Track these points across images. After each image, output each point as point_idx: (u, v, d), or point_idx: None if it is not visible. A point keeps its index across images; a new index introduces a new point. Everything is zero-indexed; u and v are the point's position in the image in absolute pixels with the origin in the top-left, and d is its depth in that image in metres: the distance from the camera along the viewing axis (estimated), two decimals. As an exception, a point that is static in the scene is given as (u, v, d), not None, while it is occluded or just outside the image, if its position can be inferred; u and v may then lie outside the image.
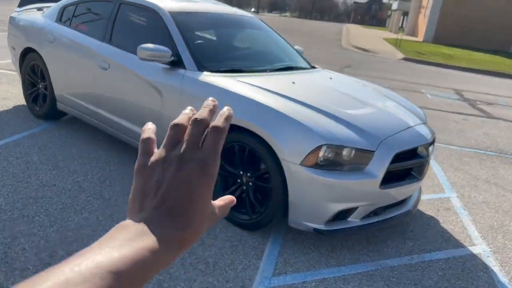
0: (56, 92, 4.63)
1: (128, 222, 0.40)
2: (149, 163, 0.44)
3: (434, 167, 5.08)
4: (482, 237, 3.51)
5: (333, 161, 2.76)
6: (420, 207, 3.93)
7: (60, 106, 4.69)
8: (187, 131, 0.45)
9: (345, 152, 2.78)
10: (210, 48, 3.77)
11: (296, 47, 4.84)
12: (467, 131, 7.09)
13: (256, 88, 3.17)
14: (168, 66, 3.49)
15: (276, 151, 2.81)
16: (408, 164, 3.00)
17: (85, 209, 3.18)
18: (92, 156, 4.14)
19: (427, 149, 3.15)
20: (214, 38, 3.98)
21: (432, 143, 3.47)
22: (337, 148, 2.75)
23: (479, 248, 3.33)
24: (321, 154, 2.71)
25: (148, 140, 0.46)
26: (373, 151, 2.85)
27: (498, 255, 3.26)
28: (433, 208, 3.95)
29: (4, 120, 4.87)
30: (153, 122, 3.43)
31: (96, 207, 3.23)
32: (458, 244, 3.34)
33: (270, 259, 2.84)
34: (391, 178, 3.01)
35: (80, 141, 4.50)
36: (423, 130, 3.23)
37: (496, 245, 3.41)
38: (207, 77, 3.30)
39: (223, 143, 0.45)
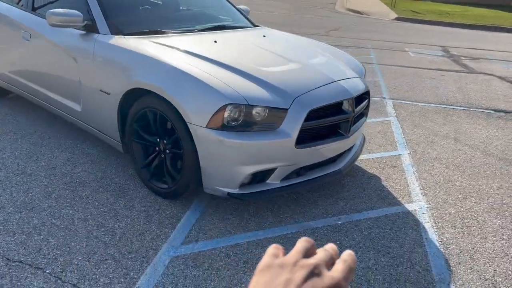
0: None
1: None
2: (279, 262, 0.46)
3: (393, 125, 4.89)
4: (423, 194, 3.36)
5: (242, 121, 2.60)
6: (365, 165, 3.77)
7: (-1, 83, 4.53)
8: (318, 254, 0.48)
9: (254, 111, 2.60)
10: (131, 10, 3.54)
11: (241, 6, 4.60)
12: (441, 87, 6.83)
13: (169, 49, 2.98)
14: (83, 32, 3.30)
15: (182, 115, 2.65)
16: (326, 122, 2.82)
17: (0, 186, 3.07)
18: (27, 132, 4.02)
19: (352, 105, 2.96)
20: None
21: (365, 98, 3.28)
22: (245, 107, 2.57)
23: (416, 205, 3.19)
24: (226, 114, 2.54)
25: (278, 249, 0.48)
26: (286, 109, 2.67)
27: (435, 211, 3.12)
28: (379, 166, 3.79)
29: None
30: (74, 92, 3.28)
31: (13, 183, 3.11)
32: (394, 202, 3.20)
33: (184, 228, 2.73)
34: (314, 136, 2.84)
35: (21, 117, 4.37)
36: (349, 85, 3.03)
37: (436, 201, 3.27)
38: (119, 39, 3.11)
39: (352, 277, 0.46)
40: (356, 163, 3.82)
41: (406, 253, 2.62)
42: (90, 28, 3.27)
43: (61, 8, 3.30)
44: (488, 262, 2.59)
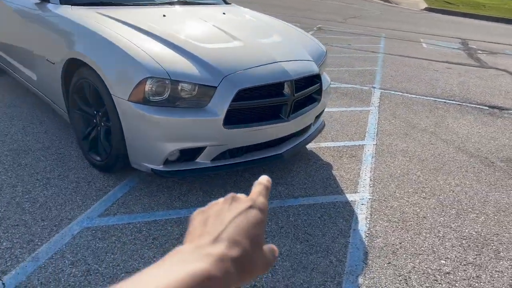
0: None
1: (184, 246, 0.41)
2: (215, 202, 0.49)
3: (371, 115, 4.72)
4: (372, 186, 3.23)
5: (168, 97, 2.55)
6: (322, 153, 3.66)
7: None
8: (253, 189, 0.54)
9: (180, 87, 2.55)
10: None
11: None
12: (441, 80, 6.54)
13: (110, 21, 2.95)
14: (38, 1, 3.31)
15: (108, 87, 2.63)
16: (258, 103, 2.73)
17: None
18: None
19: (291, 88, 2.85)
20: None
21: (316, 82, 3.15)
22: (170, 82, 2.52)
23: (358, 196, 3.07)
24: (147, 88, 2.50)
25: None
26: (215, 87, 2.60)
27: (375, 203, 3.00)
28: (337, 155, 3.67)
29: None
30: (30, 61, 3.31)
31: (-40, 147, 3.19)
32: (336, 191, 3.09)
33: (107, 201, 2.73)
34: (248, 117, 2.76)
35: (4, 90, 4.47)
36: (292, 67, 2.92)
37: (382, 193, 3.14)
38: (65, 9, 3.11)
39: (267, 194, 0.53)
40: (313, 150, 3.71)
41: (326, 243, 2.53)
42: (43, -3, 3.28)
43: None
44: (410, 258, 2.47)
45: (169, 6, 3.57)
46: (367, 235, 2.65)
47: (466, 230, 2.80)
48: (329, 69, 6.48)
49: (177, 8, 3.54)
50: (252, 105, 2.73)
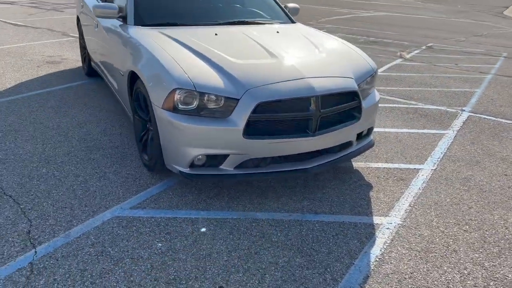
0: (88, 50, 5.49)
1: None
2: None
3: (444, 139, 4.38)
4: (408, 211, 3.05)
5: (196, 106, 2.81)
6: (367, 173, 3.56)
7: (92, 64, 5.54)
8: None
9: (206, 98, 2.79)
10: (162, 3, 4.01)
11: (290, 4, 4.71)
12: (555, 105, 5.70)
13: (165, 39, 3.35)
14: (121, 22, 3.90)
15: (150, 95, 3.00)
16: (280, 116, 2.82)
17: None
18: (93, 105, 4.87)
19: (316, 104, 2.88)
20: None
21: (353, 100, 3.10)
22: (198, 94, 2.78)
23: (387, 219, 2.93)
24: (176, 98, 2.79)
25: None
26: (237, 99, 2.79)
27: (403, 230, 2.83)
28: (383, 176, 3.52)
29: (62, 74, 5.99)
30: (113, 72, 3.92)
31: (53, 140, 3.89)
32: (363, 213, 3.00)
33: (143, 196, 3.08)
34: (273, 129, 2.87)
35: (98, 92, 5.28)
36: (321, 83, 2.94)
37: (416, 220, 2.94)
38: (136, 29, 3.60)
39: None
40: (359, 169, 3.62)
41: (328, 260, 2.50)
42: (125, 19, 3.84)
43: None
44: (414, 290, 2.30)
45: (230, 26, 3.85)
46: (377, 259, 2.53)
47: (502, 272, 2.48)
48: (418, 89, 6.13)
49: (235, 27, 3.80)
50: (274, 118, 2.83)
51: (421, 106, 5.38)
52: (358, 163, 3.73)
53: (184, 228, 2.73)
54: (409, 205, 3.12)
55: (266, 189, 3.23)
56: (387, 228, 2.83)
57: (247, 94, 2.78)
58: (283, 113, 2.85)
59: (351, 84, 3.11)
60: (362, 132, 3.45)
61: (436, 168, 3.72)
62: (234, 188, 3.22)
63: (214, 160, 2.93)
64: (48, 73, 6.12)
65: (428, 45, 10.25)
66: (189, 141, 2.82)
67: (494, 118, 5.08)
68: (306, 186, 3.31)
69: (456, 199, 3.24)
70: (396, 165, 3.74)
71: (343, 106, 3.07)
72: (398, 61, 8.16)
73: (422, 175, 3.59)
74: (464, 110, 5.32)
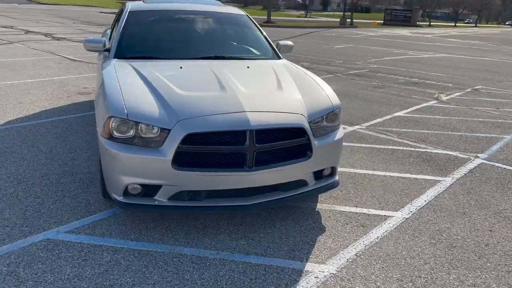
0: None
1: None
2: None
3: (437, 186, 3.99)
4: (351, 260, 2.77)
5: (131, 135, 2.84)
6: (329, 215, 3.32)
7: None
8: None
9: (140, 127, 2.81)
10: (146, 38, 4.17)
11: (283, 42, 4.69)
12: None
13: (127, 71, 3.46)
14: (107, 54, 4.12)
15: (96, 123, 3.09)
16: (210, 149, 2.75)
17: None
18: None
19: (251, 138, 2.78)
20: (167, 32, 4.32)
21: (299, 137, 2.96)
22: (133, 122, 2.81)
23: (322, 267, 2.68)
24: (111, 125, 2.84)
25: None
26: (169, 129, 2.78)
27: (333, 280, 2.56)
28: (344, 221, 3.27)
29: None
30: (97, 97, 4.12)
31: (28, 163, 4.12)
32: (299, 258, 2.77)
33: (85, 221, 3.11)
34: (206, 162, 2.81)
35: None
36: (260, 117, 2.84)
37: (354, 271, 2.66)
38: (113, 61, 3.77)
39: None
40: (321, 210, 3.39)
41: (229, 305, 2.32)
42: (110, 52, 4.06)
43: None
44: None
45: (205, 60, 3.88)
46: (284, 310, 2.30)
47: None
48: (436, 132, 5.71)
49: (207, 62, 3.81)
50: (206, 150, 2.77)
51: (429, 150, 4.98)
52: (323, 205, 3.50)
53: (103, 257, 2.70)
54: (355, 254, 2.84)
55: (208, 223, 3.13)
56: (316, 277, 2.58)
57: (178, 125, 2.76)
58: (215, 145, 2.77)
59: (296, 120, 2.97)
60: (322, 171, 3.26)
61: (410, 217, 3.38)
62: (176, 220, 3.16)
63: (149, 190, 2.90)
64: (74, 102, 6.57)
65: (476, 87, 9.60)
66: (120, 169, 2.83)
67: (511, 168, 4.54)
68: (254, 224, 3.16)
69: (414, 253, 2.89)
70: (364, 210, 3.45)
71: (285, 142, 2.93)
72: (431, 102, 7.70)
73: (389, 223, 3.27)
74: (478, 157, 4.83)
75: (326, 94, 3.40)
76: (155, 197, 2.90)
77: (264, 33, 4.60)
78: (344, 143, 5.06)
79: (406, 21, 53.38)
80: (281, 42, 4.67)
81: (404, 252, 2.89)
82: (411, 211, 3.47)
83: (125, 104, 2.87)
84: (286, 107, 3.06)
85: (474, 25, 77.53)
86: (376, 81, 9.77)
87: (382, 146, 5.04)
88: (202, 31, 4.41)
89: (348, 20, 43.60)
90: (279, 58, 4.36)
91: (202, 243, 2.89)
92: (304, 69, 3.97)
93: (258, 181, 2.89)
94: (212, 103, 2.94)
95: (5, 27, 18.47)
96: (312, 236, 3.04)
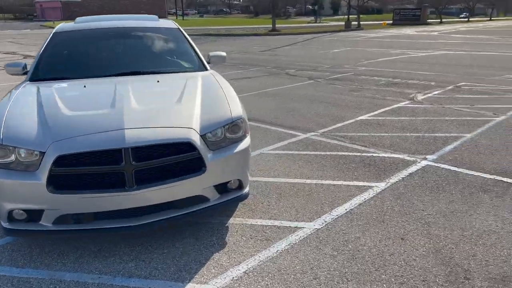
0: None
1: None
2: None
3: (367, 193, 3.82)
4: (235, 279, 2.65)
5: (11, 160, 2.78)
6: (236, 230, 3.20)
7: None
8: None
9: (17, 151, 2.77)
10: (64, 60, 4.16)
11: (216, 53, 4.62)
12: (554, 152, 4.73)
13: (34, 94, 3.43)
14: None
15: (-12, 148, 3.06)
16: (85, 170, 2.69)
17: None
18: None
19: (127, 157, 2.70)
20: (87, 51, 4.31)
21: (184, 151, 2.86)
22: (12, 147, 2.76)
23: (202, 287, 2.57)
24: (-9, 151, 2.81)
25: None
26: (44, 152, 2.73)
27: (205, 302, 2.45)
28: (250, 235, 3.15)
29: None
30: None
31: None
32: (183, 278, 2.67)
33: (-18, 248, 3.08)
34: (90, 183, 2.74)
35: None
36: (136, 134, 2.76)
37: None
38: (22, 85, 3.77)
39: None
40: (231, 224, 3.28)
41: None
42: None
43: None
44: None
45: (118, 77, 3.82)
46: (138, 336, 2.20)
47: None
48: (393, 134, 5.51)
49: (116, 79, 3.74)
50: (81, 172, 2.70)
51: (376, 155, 4.80)
52: (235, 219, 3.39)
53: (-20, 285, 2.66)
54: (244, 272, 2.71)
55: (105, 246, 3.05)
56: (189, 299, 2.47)
57: (51, 147, 2.70)
58: (90, 166, 2.71)
59: (182, 135, 2.87)
60: (226, 184, 3.15)
61: (321, 228, 3.23)
62: (70, 244, 3.09)
63: (33, 215, 2.84)
64: None
65: (458, 84, 9.30)
66: (1, 195, 2.78)
67: (456, 169, 4.33)
68: (153, 244, 3.07)
69: (308, 267, 2.75)
70: (277, 223, 3.32)
71: (171, 158, 2.84)
72: (404, 103, 7.48)
73: (297, 235, 3.13)
74: (426, 159, 4.62)
75: (228, 106, 3.29)
76: (40, 222, 2.84)
77: (194, 45, 4.54)
78: (288, 152, 4.93)
79: (416, 20, 52.52)
80: (212, 54, 4.60)
81: (298, 267, 2.75)
82: (325, 221, 3.31)
83: (3, 130, 2.83)
84: (175, 121, 2.98)
85: (489, 18, 75.77)
86: (355, 85, 9.58)
87: (328, 153, 4.89)
88: (125, 48, 4.38)
89: (355, 23, 43.25)
90: (205, 69, 4.27)
91: (88, 267, 2.81)
92: (222, 81, 3.87)
93: (142, 201, 2.81)
94: (94, 122, 2.88)
95: (7, 53, 19.00)
96: (208, 254, 2.93)
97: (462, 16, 60.64)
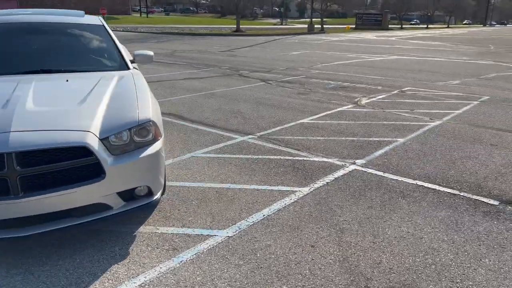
0: None
1: None
2: None
3: (288, 198, 3.74)
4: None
5: None
6: (144, 238, 3.03)
7: None
8: None
9: None
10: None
11: (142, 51, 4.44)
12: (478, 163, 4.83)
13: None
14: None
15: None
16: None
17: None
18: None
19: (10, 161, 2.49)
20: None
21: (79, 155, 2.68)
22: None
23: (86, 303, 2.39)
24: None
25: None
26: None
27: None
28: (158, 243, 2.99)
29: None
30: None
31: None
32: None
33: None
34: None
35: None
36: (24, 137, 2.56)
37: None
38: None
39: None
40: (141, 234, 3.11)
41: None
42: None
43: None
44: None
45: (31, 75, 3.57)
46: None
47: None
48: (327, 138, 5.49)
49: (25, 77, 3.50)
50: None
51: (307, 159, 4.75)
52: (146, 227, 3.23)
53: None
54: (140, 285, 2.57)
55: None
56: (72, 316, 2.29)
57: None
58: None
59: (76, 139, 2.68)
60: (133, 191, 2.99)
61: (233, 236, 3.12)
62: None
63: None
64: None
65: (403, 89, 9.48)
66: None
67: (381, 174, 4.33)
68: (48, 255, 2.86)
69: (208, 278, 2.63)
70: (189, 231, 3.18)
71: (63, 164, 2.65)
72: (347, 107, 7.52)
73: (206, 244, 3.01)
74: (355, 163, 4.61)
75: (137, 109, 3.12)
76: None
77: (118, 43, 4.34)
78: (220, 155, 4.81)
79: (377, 25, 53.87)
80: (137, 52, 4.42)
81: (198, 278, 2.63)
82: (239, 229, 3.21)
83: None
84: (71, 124, 2.79)
85: (447, 26, 78.72)
86: (304, 88, 9.59)
87: (260, 156, 4.80)
88: (40, 44, 4.12)
89: (318, 26, 43.82)
90: (127, 68, 4.08)
91: (-30, 281, 2.57)
92: (140, 82, 3.70)
93: (31, 210, 2.62)
94: (-17, 122, 2.65)
95: None
96: (106, 265, 2.75)
97: (413, 23, 62.28)
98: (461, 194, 3.88)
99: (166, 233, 3.15)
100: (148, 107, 3.19)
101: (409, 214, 3.48)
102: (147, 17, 61.58)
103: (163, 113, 6.67)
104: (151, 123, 3.08)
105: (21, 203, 2.56)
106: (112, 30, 4.53)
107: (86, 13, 4.83)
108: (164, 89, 8.93)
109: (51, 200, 2.64)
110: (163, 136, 3.25)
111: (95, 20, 4.63)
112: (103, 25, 4.54)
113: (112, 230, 3.17)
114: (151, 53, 4.50)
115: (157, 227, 3.23)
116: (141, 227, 3.24)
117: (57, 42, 4.21)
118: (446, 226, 3.29)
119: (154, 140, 3.10)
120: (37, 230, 2.68)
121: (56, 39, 4.23)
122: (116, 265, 2.76)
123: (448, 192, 3.91)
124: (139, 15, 65.13)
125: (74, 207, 2.76)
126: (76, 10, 4.90)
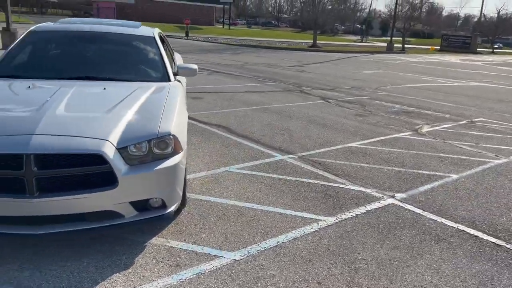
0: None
1: None
2: None
3: (319, 223, 3.58)
4: (118, 304, 2.51)
5: None
6: (152, 251, 3.06)
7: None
8: None
9: None
10: (28, 58, 4.18)
11: (182, 64, 4.56)
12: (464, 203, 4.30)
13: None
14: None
15: None
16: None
17: None
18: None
19: (29, 163, 2.63)
20: (53, 53, 4.34)
21: (95, 163, 2.76)
22: None
23: (76, 309, 2.44)
24: None
25: None
26: None
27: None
28: (163, 258, 3.00)
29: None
30: None
31: None
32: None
33: None
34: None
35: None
36: (43, 141, 2.69)
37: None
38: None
39: None
40: (151, 245, 3.14)
41: None
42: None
43: None
44: None
45: (73, 81, 3.79)
46: None
47: None
48: (371, 166, 5.21)
49: (67, 82, 3.71)
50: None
51: (343, 186, 4.53)
52: (159, 238, 3.25)
53: None
54: (132, 298, 2.56)
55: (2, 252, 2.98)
56: (60, 320, 2.34)
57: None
58: (-13, 169, 2.65)
59: (92, 146, 2.77)
60: (146, 202, 3.04)
61: (240, 260, 3.03)
62: None
63: None
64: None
65: (474, 120, 8.77)
66: None
67: (420, 211, 4.00)
68: (60, 255, 2.97)
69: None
70: (198, 248, 3.15)
71: (78, 169, 2.75)
72: (404, 134, 7.11)
73: (210, 264, 2.95)
74: (393, 197, 4.31)
75: (159, 121, 3.16)
76: None
77: (164, 55, 4.47)
78: (254, 172, 4.75)
79: (465, 48, 50.74)
80: (181, 65, 4.53)
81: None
82: (248, 253, 3.11)
83: None
84: (92, 131, 2.89)
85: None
86: (364, 109, 9.24)
87: (294, 178, 4.66)
88: (91, 52, 4.37)
89: (399, 45, 42.34)
90: (167, 80, 4.19)
91: (-17, 270, 2.74)
92: (175, 94, 3.77)
93: (44, 209, 2.73)
94: (6, 124, 2.84)
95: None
96: (108, 273, 2.80)
97: (496, 46, 57.33)
98: (507, 246, 3.45)
99: (175, 247, 3.14)
100: (170, 120, 3.22)
101: (438, 261, 3.15)
102: (229, 28, 63.61)
103: (212, 124, 6.81)
104: (171, 136, 3.09)
105: (35, 203, 2.68)
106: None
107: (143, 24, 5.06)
108: (221, 101, 9.08)
109: (63, 203, 2.75)
110: (185, 150, 3.26)
111: (148, 31, 4.82)
112: (153, 37, 4.71)
113: (126, 238, 3.22)
114: (195, 66, 4.57)
115: (169, 240, 3.23)
116: (153, 238, 3.25)
117: (107, 51, 4.44)
118: (478, 282, 2.93)
119: (174, 153, 3.12)
120: (50, 230, 2.79)
121: (106, 48, 4.46)
122: (117, 274, 2.79)
123: (492, 242, 3.49)
124: (222, 26, 67.51)
125: (85, 212, 2.84)
126: (133, 22, 5.14)
